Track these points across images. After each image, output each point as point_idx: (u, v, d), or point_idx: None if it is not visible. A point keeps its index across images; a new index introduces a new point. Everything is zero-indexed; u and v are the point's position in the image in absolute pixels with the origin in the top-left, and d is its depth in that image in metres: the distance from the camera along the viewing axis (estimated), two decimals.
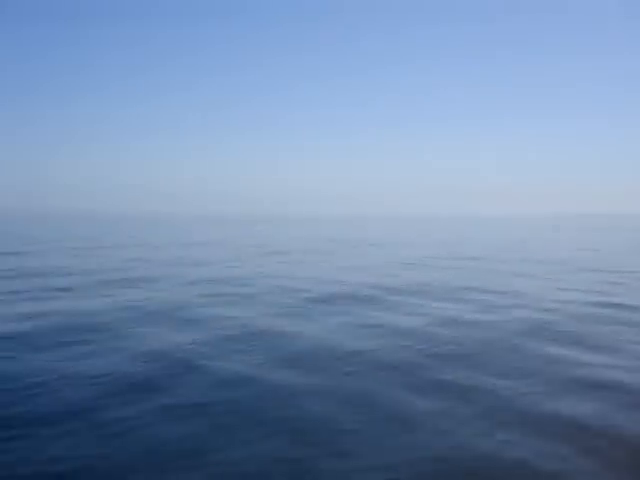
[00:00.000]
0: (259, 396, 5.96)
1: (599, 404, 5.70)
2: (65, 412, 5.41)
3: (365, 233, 57.18)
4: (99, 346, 8.00)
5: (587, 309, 11.21)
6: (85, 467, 4.32)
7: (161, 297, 12.45)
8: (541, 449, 4.63)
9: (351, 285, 14.67)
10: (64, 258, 22.89)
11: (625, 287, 14.84)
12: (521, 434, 4.93)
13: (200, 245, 33.91)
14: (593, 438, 4.86)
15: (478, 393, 6.06)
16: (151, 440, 4.83)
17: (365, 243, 37.88)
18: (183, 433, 5.00)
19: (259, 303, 11.76)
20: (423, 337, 8.65)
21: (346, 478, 4.19)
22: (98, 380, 6.40)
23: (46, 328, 9.11)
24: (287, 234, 53.57)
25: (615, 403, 5.73)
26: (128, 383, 6.33)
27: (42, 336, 8.54)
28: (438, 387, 6.26)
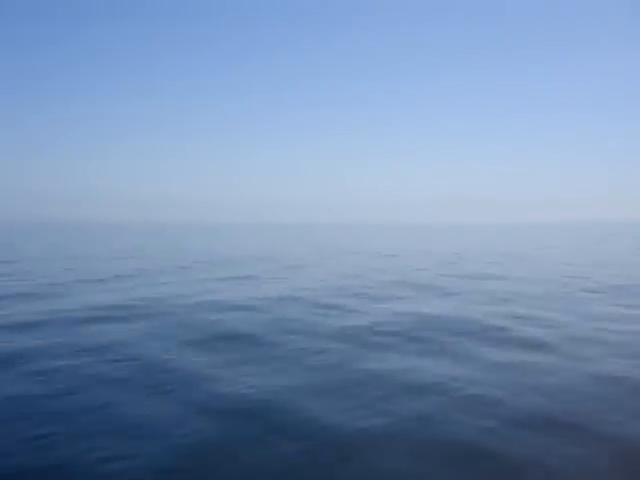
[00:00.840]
0: None
1: None
2: None
3: (374, 243, 55.45)
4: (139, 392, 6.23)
5: None
6: None
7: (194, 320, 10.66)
8: None
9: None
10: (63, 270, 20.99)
11: None
12: None
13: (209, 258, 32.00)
14: None
15: None
16: None
17: (382, 254, 36.11)
18: None
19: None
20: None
21: None
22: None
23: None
24: (287, 242, 51.78)
25: None
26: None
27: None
28: None
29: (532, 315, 11.45)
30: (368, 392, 6.38)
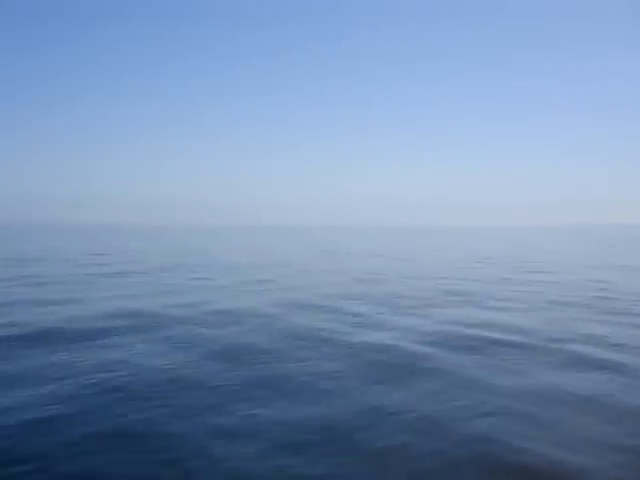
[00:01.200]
0: None
1: None
2: None
3: (379, 246, 54.78)
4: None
5: None
6: None
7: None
8: None
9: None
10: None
11: None
12: None
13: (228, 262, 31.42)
14: None
15: None
16: None
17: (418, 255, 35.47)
18: None
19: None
20: None
21: None
22: None
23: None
24: (293, 246, 51.12)
25: None
26: None
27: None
28: None
29: (572, 324, 10.83)
30: (415, 411, 5.76)
